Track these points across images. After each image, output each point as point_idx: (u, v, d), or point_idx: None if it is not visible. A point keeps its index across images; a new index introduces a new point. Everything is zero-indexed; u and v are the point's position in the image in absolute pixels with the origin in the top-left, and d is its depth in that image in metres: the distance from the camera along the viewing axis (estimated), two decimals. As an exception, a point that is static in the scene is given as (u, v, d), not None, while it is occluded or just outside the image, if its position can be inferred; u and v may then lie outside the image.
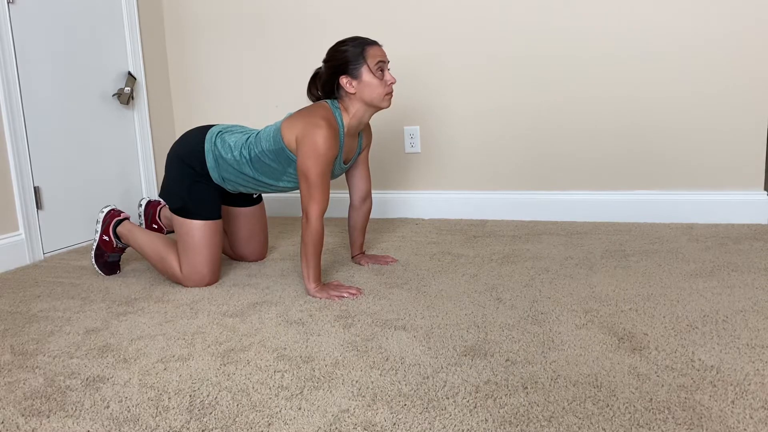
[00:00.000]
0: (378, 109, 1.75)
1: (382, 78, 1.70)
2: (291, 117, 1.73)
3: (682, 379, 1.08)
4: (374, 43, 1.72)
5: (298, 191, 2.86)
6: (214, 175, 1.81)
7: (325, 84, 1.75)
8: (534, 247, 2.12)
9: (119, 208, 2.72)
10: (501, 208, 2.67)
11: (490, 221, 2.65)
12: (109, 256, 1.98)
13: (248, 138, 1.79)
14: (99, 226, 1.97)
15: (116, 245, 1.97)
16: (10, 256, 2.18)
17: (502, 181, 2.67)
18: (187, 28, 3.05)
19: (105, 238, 1.96)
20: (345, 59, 1.69)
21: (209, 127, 1.87)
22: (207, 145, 1.81)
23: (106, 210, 1.99)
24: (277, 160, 1.74)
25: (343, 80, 1.69)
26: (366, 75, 1.68)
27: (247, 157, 1.76)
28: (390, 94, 1.72)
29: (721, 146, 2.35)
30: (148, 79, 2.93)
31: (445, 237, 2.36)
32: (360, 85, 1.69)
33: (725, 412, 0.97)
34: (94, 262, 1.97)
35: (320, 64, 2.63)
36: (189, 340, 1.40)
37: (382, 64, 1.69)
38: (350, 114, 1.74)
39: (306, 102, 2.78)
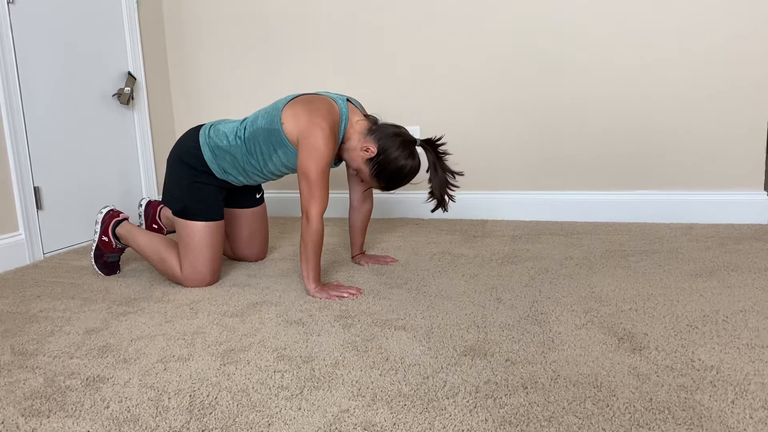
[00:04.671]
0: (348, 164, 1.81)
1: (361, 179, 1.80)
2: (295, 104, 1.71)
3: (682, 379, 1.08)
4: (398, 186, 1.76)
5: (298, 192, 2.86)
6: (214, 168, 1.81)
7: (376, 139, 1.72)
8: (534, 247, 2.12)
9: (119, 208, 2.72)
10: (501, 208, 2.67)
11: (490, 221, 2.64)
12: (109, 257, 1.98)
13: (244, 120, 1.82)
14: (98, 226, 1.97)
15: (115, 246, 1.97)
16: (10, 256, 2.18)
17: (502, 181, 2.67)
18: (187, 29, 3.05)
19: (104, 238, 1.96)
20: (391, 169, 1.70)
21: (202, 125, 1.88)
22: (201, 139, 1.81)
23: (105, 210, 1.99)
24: (268, 139, 1.73)
25: (372, 148, 1.70)
26: (367, 167, 1.73)
27: (242, 137, 1.77)
28: (354, 175, 1.87)
29: (721, 146, 2.35)
30: (148, 79, 2.93)
31: (445, 237, 2.36)
32: (364, 160, 1.73)
33: (725, 412, 0.97)
34: (93, 262, 1.97)
35: (319, 63, 2.62)
36: (189, 340, 1.40)
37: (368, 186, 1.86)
38: (349, 139, 1.75)
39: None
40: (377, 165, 1.70)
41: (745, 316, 1.38)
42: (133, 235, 1.92)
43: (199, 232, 1.79)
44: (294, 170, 1.81)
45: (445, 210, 1.75)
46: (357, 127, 1.74)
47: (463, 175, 1.79)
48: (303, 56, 2.86)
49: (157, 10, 3.02)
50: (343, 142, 1.75)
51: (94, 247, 1.97)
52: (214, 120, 1.90)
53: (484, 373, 1.15)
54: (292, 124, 1.68)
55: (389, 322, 1.45)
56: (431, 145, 1.73)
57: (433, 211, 1.78)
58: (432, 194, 1.73)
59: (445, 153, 1.74)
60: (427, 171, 1.73)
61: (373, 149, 1.70)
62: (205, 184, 1.82)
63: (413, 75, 2.70)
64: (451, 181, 1.73)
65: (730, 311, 1.41)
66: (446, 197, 1.73)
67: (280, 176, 1.87)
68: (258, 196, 2.05)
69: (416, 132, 2.73)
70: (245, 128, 1.77)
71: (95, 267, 1.98)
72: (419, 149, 1.73)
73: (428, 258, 2.04)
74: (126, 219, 1.99)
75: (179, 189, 1.81)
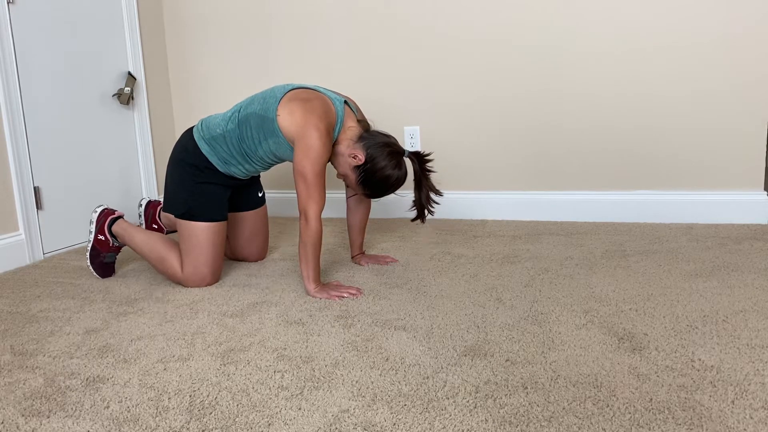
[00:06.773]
0: (335, 168, 1.81)
1: (347, 184, 1.82)
2: (292, 99, 1.70)
3: (682, 379, 1.08)
4: (383, 195, 1.77)
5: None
6: (215, 161, 1.80)
7: (366, 149, 1.73)
8: (534, 247, 2.12)
9: (119, 208, 2.71)
10: (501, 208, 2.67)
11: (490, 221, 2.65)
12: (106, 257, 1.96)
13: (238, 105, 1.82)
14: (93, 226, 1.95)
15: (112, 244, 1.96)
16: (10, 256, 2.18)
17: (502, 181, 2.67)
18: (187, 28, 3.05)
19: (100, 237, 1.95)
20: (377, 178, 1.71)
21: (193, 126, 1.90)
22: (196, 135, 1.82)
23: (99, 210, 1.98)
24: (259, 125, 1.73)
25: (359, 155, 1.70)
26: (354, 174, 1.74)
27: (236, 121, 1.77)
28: (341, 177, 1.81)
29: (721, 146, 2.35)
30: (148, 79, 2.93)
31: (445, 237, 2.36)
32: (351, 167, 1.74)
33: (725, 412, 0.97)
34: (89, 263, 1.95)
35: (320, 63, 2.61)
36: (189, 340, 1.40)
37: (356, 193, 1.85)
38: (339, 143, 1.75)
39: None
40: (364, 173, 1.71)
41: (745, 316, 1.38)
42: (129, 234, 1.91)
43: (202, 232, 1.78)
44: (282, 161, 1.83)
45: (423, 222, 1.80)
46: (349, 133, 1.74)
47: (442, 195, 1.81)
48: (303, 56, 2.86)
49: (157, 9, 3.02)
50: (333, 146, 1.76)
51: (89, 248, 1.94)
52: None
53: (484, 373, 1.15)
54: (288, 120, 1.68)
55: (389, 322, 1.45)
56: (419, 159, 1.75)
57: (412, 221, 1.83)
58: (414, 204, 1.77)
59: (430, 170, 1.77)
60: (414, 180, 1.76)
61: (361, 157, 1.70)
62: (209, 183, 1.81)
63: (413, 74, 2.70)
64: (433, 198, 1.77)
65: (730, 311, 1.41)
66: (425, 211, 1.77)
67: (272, 164, 1.87)
68: (260, 195, 2.06)
69: (416, 132, 2.73)
70: (239, 111, 1.78)
71: (91, 268, 1.95)
72: (407, 160, 1.77)
73: (428, 258, 2.04)
74: (121, 216, 1.98)
75: (183, 192, 1.81)
